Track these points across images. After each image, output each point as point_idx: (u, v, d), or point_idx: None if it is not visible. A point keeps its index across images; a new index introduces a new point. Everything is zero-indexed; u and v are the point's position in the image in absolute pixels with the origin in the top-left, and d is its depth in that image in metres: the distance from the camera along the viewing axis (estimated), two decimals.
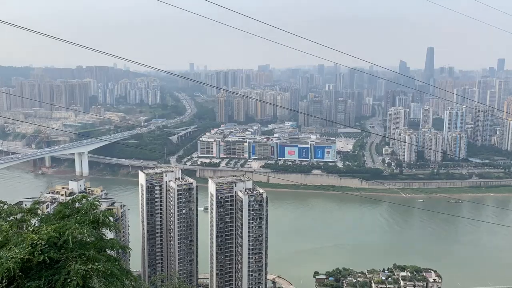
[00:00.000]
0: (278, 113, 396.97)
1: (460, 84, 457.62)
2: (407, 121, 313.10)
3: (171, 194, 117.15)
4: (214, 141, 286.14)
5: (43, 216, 13.54)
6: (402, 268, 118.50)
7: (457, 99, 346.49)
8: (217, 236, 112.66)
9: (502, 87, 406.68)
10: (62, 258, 11.25)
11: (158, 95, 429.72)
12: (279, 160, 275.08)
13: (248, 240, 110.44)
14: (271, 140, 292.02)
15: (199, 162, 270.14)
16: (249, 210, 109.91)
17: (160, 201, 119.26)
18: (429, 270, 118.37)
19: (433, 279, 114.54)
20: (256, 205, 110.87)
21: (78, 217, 12.72)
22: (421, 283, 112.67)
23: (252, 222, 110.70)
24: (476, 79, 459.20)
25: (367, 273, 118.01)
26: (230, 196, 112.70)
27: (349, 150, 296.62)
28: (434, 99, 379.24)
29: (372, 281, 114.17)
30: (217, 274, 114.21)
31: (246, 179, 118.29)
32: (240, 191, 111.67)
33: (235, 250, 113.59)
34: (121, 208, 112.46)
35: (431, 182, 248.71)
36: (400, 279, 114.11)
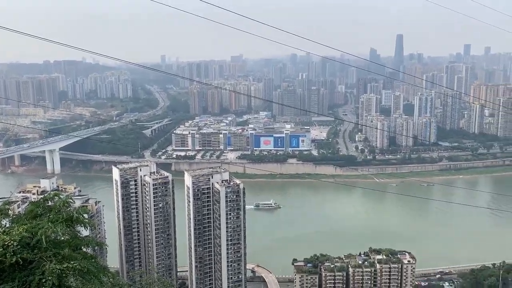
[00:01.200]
0: (253, 103, 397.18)
1: (429, 70, 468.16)
2: (378, 107, 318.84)
3: (146, 189, 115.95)
4: (189, 133, 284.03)
5: (14, 216, 13.22)
6: (378, 252, 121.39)
7: (426, 84, 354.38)
8: (195, 229, 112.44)
9: (469, 72, 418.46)
10: (36, 258, 11.04)
11: (130, 88, 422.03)
12: (255, 150, 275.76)
13: (227, 231, 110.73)
14: (247, 130, 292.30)
15: (174, 155, 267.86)
16: (226, 201, 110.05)
17: (136, 196, 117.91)
18: (404, 252, 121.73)
19: (408, 261, 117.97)
20: (233, 196, 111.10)
21: (51, 216, 12.46)
22: (396, 265, 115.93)
23: (230, 213, 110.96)
24: (444, 65, 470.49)
25: (344, 258, 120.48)
26: (207, 188, 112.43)
27: (323, 138, 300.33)
28: (404, 86, 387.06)
29: (349, 265, 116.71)
30: (196, 266, 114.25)
31: (222, 170, 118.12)
32: (217, 182, 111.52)
33: (214, 242, 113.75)
34: (95, 205, 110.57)
35: (403, 166, 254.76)
36: (376, 262, 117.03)
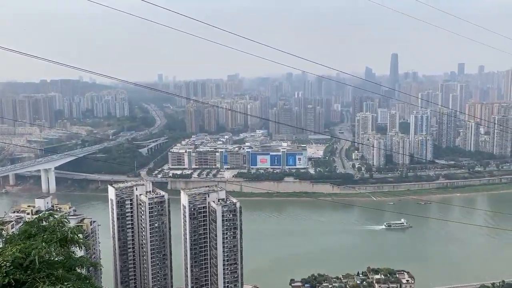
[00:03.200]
0: (249, 122, 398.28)
1: (424, 88, 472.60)
2: (374, 126, 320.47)
3: (142, 208, 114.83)
4: (185, 152, 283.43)
5: (8, 236, 12.99)
6: (376, 271, 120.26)
7: (422, 103, 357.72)
8: (191, 249, 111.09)
9: (463, 90, 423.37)
10: (29, 279, 10.81)
11: (126, 107, 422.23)
12: (252, 168, 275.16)
13: (223, 251, 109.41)
14: (243, 149, 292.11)
15: (170, 174, 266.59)
16: (223, 220, 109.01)
17: (131, 216, 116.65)
18: (402, 272, 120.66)
19: (406, 280, 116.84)
20: (229, 215, 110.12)
21: (45, 236, 12.25)
22: (394, 285, 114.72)
23: (227, 233, 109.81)
24: (439, 83, 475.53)
25: (342, 278, 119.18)
26: (203, 207, 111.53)
27: (320, 156, 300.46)
28: (400, 104, 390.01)
29: (347, 286, 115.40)
30: (192, 287, 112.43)
31: (219, 189, 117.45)
32: (213, 201, 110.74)
33: (210, 262, 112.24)
34: (90, 225, 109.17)
35: (400, 184, 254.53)
36: (374, 282, 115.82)
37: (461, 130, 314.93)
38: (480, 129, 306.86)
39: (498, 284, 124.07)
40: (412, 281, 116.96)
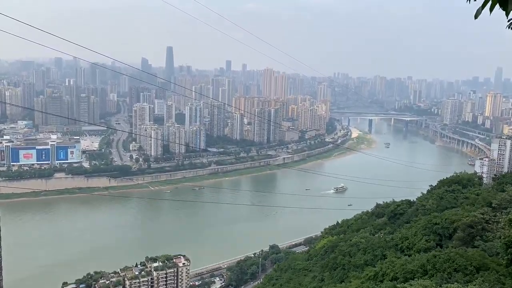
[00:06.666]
0: (8, 111, 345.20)
1: (197, 82, 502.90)
2: (152, 116, 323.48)
3: None
4: None
5: None
6: (154, 259, 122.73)
7: (195, 95, 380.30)
8: None
9: (230, 85, 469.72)
10: None
11: None
12: (13, 165, 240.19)
13: None
14: (1, 143, 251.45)
15: None
16: None
17: None
18: (179, 256, 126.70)
19: (183, 263, 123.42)
20: None
21: None
22: (172, 270, 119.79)
23: None
24: (210, 78, 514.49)
25: (120, 272, 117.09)
26: None
27: (96, 149, 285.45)
28: (175, 96, 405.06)
29: (125, 278, 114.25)
30: None
31: None
32: None
33: None
34: None
35: (176, 173, 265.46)
36: (153, 270, 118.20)
37: (229, 121, 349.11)
38: (244, 119, 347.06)
39: (258, 253, 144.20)
40: (188, 263, 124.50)
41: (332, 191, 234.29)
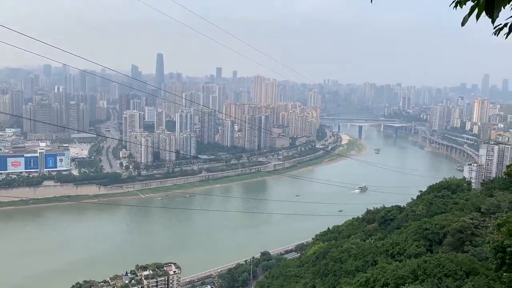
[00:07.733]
0: None
1: (187, 89, 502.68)
2: (142, 124, 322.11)
3: None
4: None
5: None
6: (145, 268, 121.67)
7: (186, 102, 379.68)
8: None
9: (221, 92, 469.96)
10: None
11: None
12: (1, 173, 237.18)
13: None
14: None
15: None
16: None
17: None
18: (170, 264, 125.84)
19: (173, 271, 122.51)
20: None
21: None
22: (162, 278, 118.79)
23: None
24: (201, 85, 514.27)
25: (110, 281, 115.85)
26: None
27: (85, 156, 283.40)
28: (166, 103, 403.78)
29: (115, 287, 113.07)
30: None
31: None
32: None
33: None
34: None
35: (167, 180, 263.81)
36: (143, 278, 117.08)
37: (219, 128, 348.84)
38: (235, 126, 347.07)
39: (249, 260, 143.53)
40: (179, 271, 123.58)
41: (357, 190, 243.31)
